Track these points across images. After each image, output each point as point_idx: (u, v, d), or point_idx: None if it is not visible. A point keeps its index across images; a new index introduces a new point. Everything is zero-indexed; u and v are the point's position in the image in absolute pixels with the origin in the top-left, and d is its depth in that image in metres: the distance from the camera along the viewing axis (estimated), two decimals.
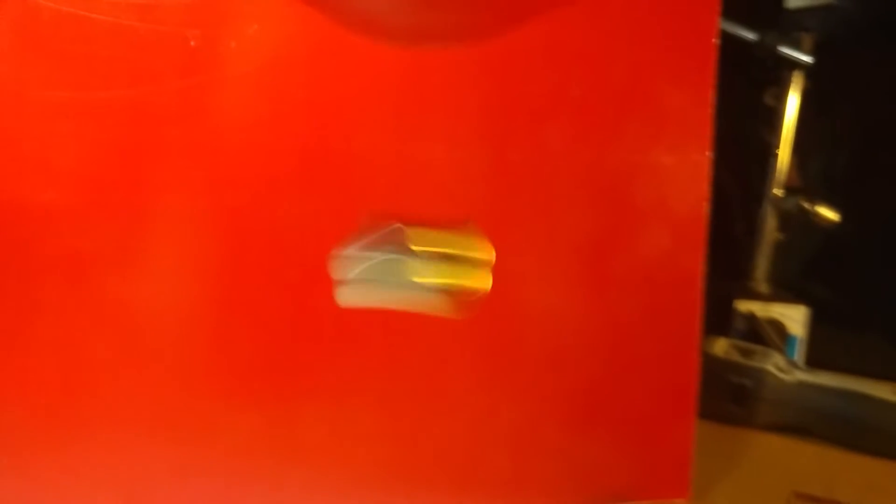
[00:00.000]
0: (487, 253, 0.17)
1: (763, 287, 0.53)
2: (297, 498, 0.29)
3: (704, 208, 0.33)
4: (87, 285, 0.26)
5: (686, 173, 0.33)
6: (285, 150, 0.28)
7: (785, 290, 0.53)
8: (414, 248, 0.15)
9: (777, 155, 0.52)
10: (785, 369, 0.43)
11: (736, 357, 0.45)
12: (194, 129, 0.27)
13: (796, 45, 0.49)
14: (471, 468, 0.31)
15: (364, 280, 0.15)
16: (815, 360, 0.50)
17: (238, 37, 0.27)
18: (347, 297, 0.15)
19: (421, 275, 0.15)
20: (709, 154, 0.33)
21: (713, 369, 0.44)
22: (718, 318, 0.53)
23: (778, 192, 0.52)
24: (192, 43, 0.26)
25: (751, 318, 0.50)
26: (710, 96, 0.32)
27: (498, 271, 0.31)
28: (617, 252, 0.32)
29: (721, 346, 0.46)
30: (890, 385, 0.42)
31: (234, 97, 0.27)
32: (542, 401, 0.32)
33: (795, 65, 0.50)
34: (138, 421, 0.27)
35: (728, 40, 0.51)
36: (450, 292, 0.16)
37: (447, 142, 0.29)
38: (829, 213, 0.49)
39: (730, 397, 0.43)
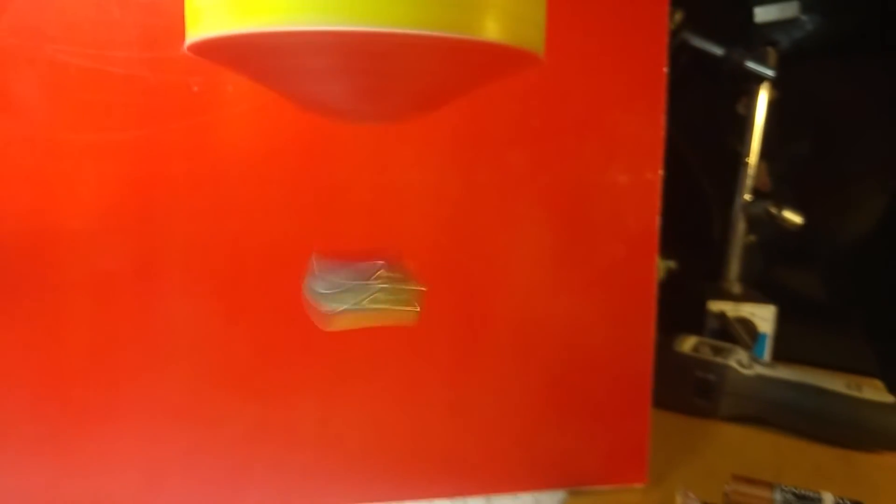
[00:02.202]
0: (417, 281, 0.21)
1: (735, 288, 0.56)
2: (293, 478, 0.33)
3: (656, 221, 0.36)
4: (109, 297, 0.31)
5: (639, 191, 0.36)
6: (277, 178, 0.32)
7: (756, 290, 0.56)
8: (369, 281, 0.19)
9: (747, 162, 0.55)
10: (746, 364, 0.46)
11: (706, 354, 0.48)
12: (198, 162, 0.31)
13: (762, 59, 0.52)
14: (446, 453, 0.35)
15: (335, 301, 0.18)
16: (792, 356, 0.54)
17: (234, 82, 0.31)
18: (327, 317, 0.19)
19: (377, 301, 0.19)
20: (660, 173, 0.36)
21: (680, 365, 0.48)
22: (694, 318, 0.56)
23: (747, 197, 0.55)
24: (195, 88, 0.30)
25: (721, 317, 0.54)
26: (661, 120, 0.36)
27: (468, 280, 0.34)
28: (578, 261, 0.36)
29: (689, 344, 0.49)
30: (844, 378, 0.45)
31: (232, 134, 0.31)
32: (510, 394, 0.36)
33: (762, 77, 0.53)
34: (155, 411, 0.32)
35: (704, 55, 0.54)
36: (398, 311, 0.20)
37: (421, 168, 0.33)
38: (794, 217, 0.52)
39: (695, 391, 0.47)
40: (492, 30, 0.14)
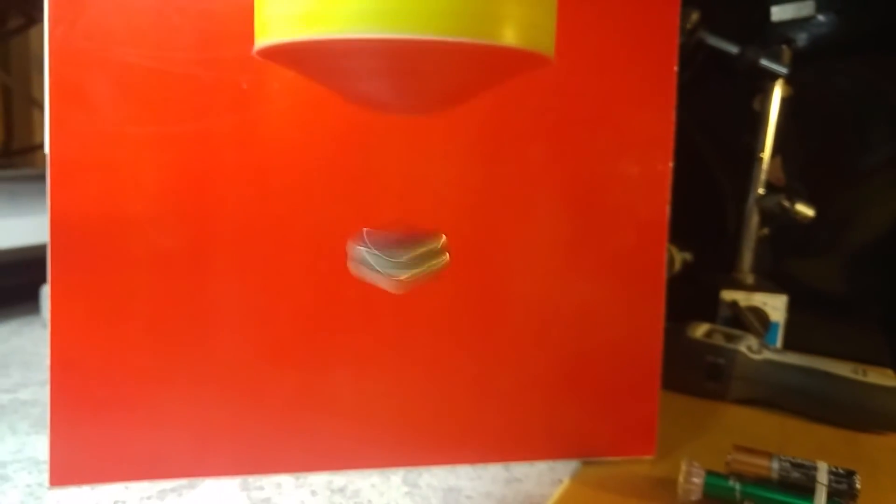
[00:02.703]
0: (443, 242, 0.24)
1: (748, 278, 0.58)
2: (329, 442, 0.37)
3: (666, 210, 0.39)
4: (167, 275, 0.34)
5: (650, 181, 0.39)
6: (317, 167, 0.35)
7: (769, 280, 0.58)
8: (396, 252, 0.22)
9: (761, 157, 0.56)
10: (756, 350, 0.48)
11: (717, 340, 0.50)
12: (247, 152, 0.34)
13: (776, 57, 0.54)
14: (468, 423, 0.38)
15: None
16: (804, 347, 0.55)
17: (280, 80, 0.34)
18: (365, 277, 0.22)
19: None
20: (670, 164, 0.39)
21: (692, 350, 0.50)
22: (708, 308, 0.58)
23: (761, 191, 0.56)
24: (245, 86, 0.34)
25: (734, 305, 0.56)
26: (671, 115, 0.38)
27: (490, 263, 0.37)
28: (592, 247, 0.38)
29: (701, 330, 0.51)
30: (851, 364, 0.47)
31: (277, 128, 0.34)
32: (530, 370, 0.38)
33: (777, 75, 0.54)
34: (206, 379, 0.35)
35: (720, 53, 0.56)
36: (439, 268, 0.23)
37: (445, 159, 0.36)
38: (806, 210, 0.54)
39: (705, 375, 0.49)
40: (509, 36, 0.17)
